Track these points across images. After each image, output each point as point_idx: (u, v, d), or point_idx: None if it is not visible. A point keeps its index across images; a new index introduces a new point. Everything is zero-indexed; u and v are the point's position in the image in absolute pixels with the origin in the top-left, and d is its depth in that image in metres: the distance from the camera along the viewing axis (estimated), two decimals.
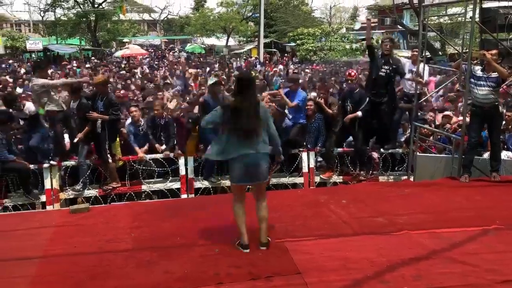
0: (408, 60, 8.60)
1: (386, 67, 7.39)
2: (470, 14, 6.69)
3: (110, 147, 7.22)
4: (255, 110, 3.98)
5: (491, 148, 6.53)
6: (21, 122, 7.59)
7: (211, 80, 7.49)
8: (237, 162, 4.01)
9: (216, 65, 24.88)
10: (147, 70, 22.20)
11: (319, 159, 8.19)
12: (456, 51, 8.40)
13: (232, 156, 4.01)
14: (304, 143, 7.91)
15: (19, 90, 13.70)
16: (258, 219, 4.13)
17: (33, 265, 3.87)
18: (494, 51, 6.12)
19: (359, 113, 7.50)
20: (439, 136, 7.90)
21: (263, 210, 4.12)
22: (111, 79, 15.93)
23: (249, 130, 3.94)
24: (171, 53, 40.60)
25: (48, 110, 7.09)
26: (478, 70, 6.24)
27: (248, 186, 4.33)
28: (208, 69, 22.72)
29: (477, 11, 6.93)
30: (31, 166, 6.98)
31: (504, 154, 6.75)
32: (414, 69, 7.80)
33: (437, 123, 8.36)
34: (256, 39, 35.02)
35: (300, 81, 9.74)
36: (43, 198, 7.06)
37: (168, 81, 13.17)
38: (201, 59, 34.33)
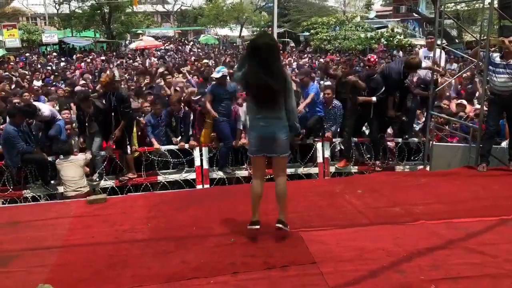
0: (423, 49, 8.46)
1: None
2: (488, 0, 6.53)
3: (130, 138, 7.32)
4: (272, 79, 3.71)
5: (509, 136, 6.42)
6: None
7: (217, 73, 7.45)
8: (253, 132, 3.92)
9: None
10: (156, 61, 22.23)
11: (337, 148, 8.19)
12: (474, 39, 8.24)
13: (252, 125, 3.90)
14: (321, 134, 7.90)
15: (36, 83, 13.89)
16: (276, 196, 4.00)
17: (53, 255, 3.94)
18: None
19: (374, 99, 7.43)
20: (454, 125, 7.79)
21: (278, 186, 3.95)
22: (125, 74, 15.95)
23: (265, 99, 3.77)
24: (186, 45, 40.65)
25: None
26: (496, 57, 6.12)
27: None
28: (223, 59, 22.70)
29: None
30: (49, 158, 7.09)
31: None
32: (430, 55, 7.67)
33: (450, 111, 8.24)
34: (270, 29, 34.84)
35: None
36: (61, 189, 7.17)
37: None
38: (216, 50, 34.35)
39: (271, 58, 3.74)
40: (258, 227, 3.96)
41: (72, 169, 6.88)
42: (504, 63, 6.00)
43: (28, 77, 15.17)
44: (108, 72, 8.29)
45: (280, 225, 3.91)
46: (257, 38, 4.00)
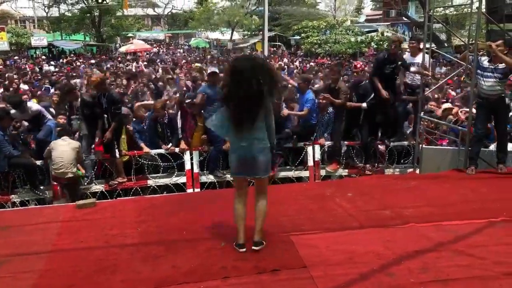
0: (406, 54, 8.44)
1: (391, 66, 7.45)
2: (476, 4, 6.61)
3: (118, 142, 7.25)
4: (252, 100, 3.66)
5: (497, 139, 6.48)
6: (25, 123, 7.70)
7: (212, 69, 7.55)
8: (233, 152, 3.91)
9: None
10: (143, 67, 21.98)
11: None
12: (462, 43, 8.32)
13: (227, 137, 3.84)
14: (313, 138, 7.92)
15: (23, 86, 13.78)
16: (254, 215, 3.94)
17: (42, 260, 3.90)
18: (499, 42, 6.04)
19: (364, 105, 7.49)
20: (443, 128, 7.85)
21: (258, 206, 3.92)
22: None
23: (241, 121, 3.72)
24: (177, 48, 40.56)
25: None
26: (484, 61, 6.19)
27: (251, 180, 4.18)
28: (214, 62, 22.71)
29: (483, 1, 6.85)
30: (38, 162, 7.02)
31: (511, 146, 6.70)
32: (413, 61, 7.72)
33: (435, 113, 8.30)
34: (261, 32, 34.92)
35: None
36: (50, 193, 7.09)
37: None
38: (204, 53, 34.35)
39: (253, 78, 3.65)
40: (244, 250, 3.88)
41: (63, 149, 6.70)
42: (492, 67, 6.06)
43: (16, 80, 15.03)
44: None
45: (256, 248, 3.86)
46: (239, 60, 3.96)
